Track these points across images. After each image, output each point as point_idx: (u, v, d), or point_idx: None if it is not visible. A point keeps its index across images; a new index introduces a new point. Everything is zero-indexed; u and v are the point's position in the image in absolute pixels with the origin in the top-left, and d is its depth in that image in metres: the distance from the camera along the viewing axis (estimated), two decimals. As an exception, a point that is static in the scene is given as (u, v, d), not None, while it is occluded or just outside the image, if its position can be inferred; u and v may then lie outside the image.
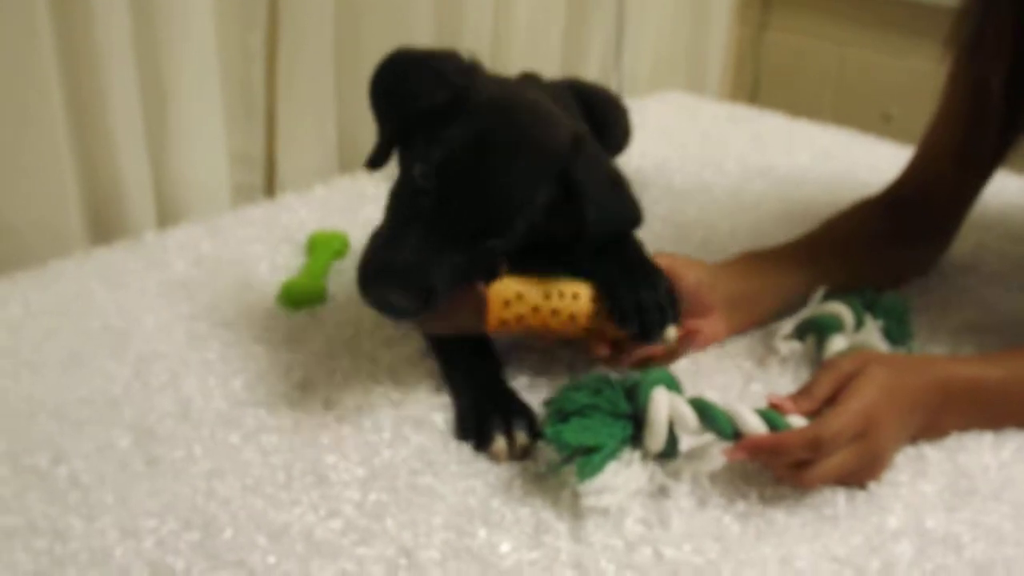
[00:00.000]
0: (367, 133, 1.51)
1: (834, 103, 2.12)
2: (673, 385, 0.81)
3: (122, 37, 1.19)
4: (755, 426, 0.77)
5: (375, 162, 0.92)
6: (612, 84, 1.92)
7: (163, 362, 0.96)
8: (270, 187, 1.44)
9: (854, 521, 0.77)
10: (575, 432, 0.77)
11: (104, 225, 1.25)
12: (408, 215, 0.84)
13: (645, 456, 0.79)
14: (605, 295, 0.88)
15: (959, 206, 1.14)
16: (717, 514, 0.78)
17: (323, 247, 1.15)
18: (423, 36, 1.52)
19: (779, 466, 0.79)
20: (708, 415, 0.78)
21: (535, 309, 0.87)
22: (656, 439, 0.78)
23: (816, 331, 0.96)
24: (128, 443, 0.85)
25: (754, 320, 1.02)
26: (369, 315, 1.03)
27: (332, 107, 1.46)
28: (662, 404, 0.78)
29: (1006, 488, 0.81)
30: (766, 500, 0.79)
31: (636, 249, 0.93)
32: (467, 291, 0.82)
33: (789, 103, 1.82)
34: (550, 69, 1.79)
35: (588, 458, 0.76)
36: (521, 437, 0.82)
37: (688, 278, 0.93)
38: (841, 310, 0.96)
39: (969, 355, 0.98)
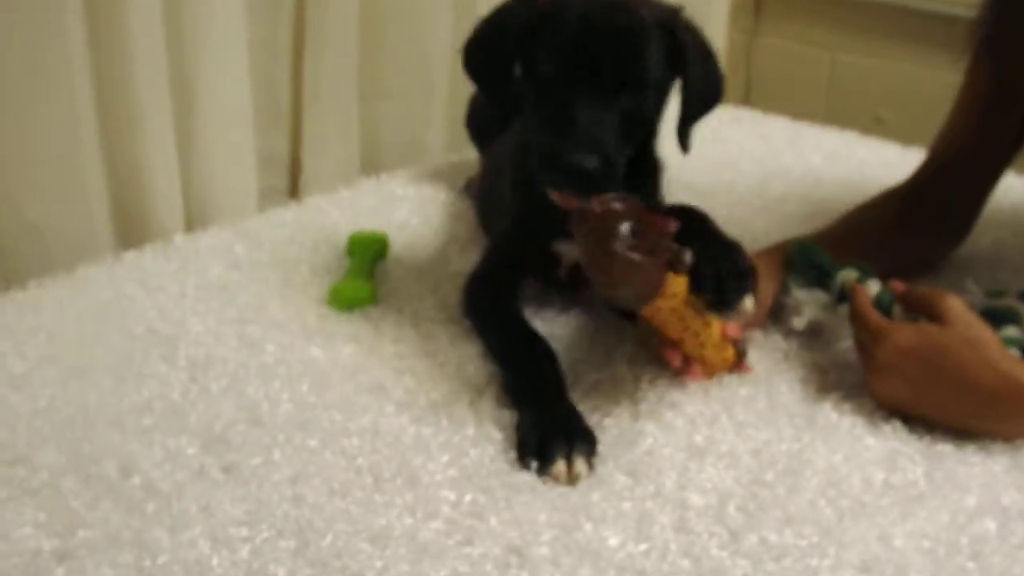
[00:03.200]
0: (389, 135, 1.52)
1: (826, 107, 2.14)
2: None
3: (151, 38, 1.17)
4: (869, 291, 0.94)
5: (504, 107, 0.99)
6: None
7: (219, 366, 0.94)
8: (294, 189, 1.42)
9: (937, 501, 0.79)
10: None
11: (131, 229, 1.22)
12: (551, 109, 0.89)
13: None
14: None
15: (973, 200, 1.16)
16: (811, 497, 0.78)
17: (365, 248, 1.13)
18: (443, 39, 1.51)
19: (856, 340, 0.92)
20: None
21: (681, 315, 0.85)
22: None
23: (992, 322, 0.95)
24: (198, 450, 0.82)
25: None
26: (426, 315, 1.02)
27: (356, 109, 1.45)
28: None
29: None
30: (854, 485, 0.80)
31: (713, 226, 0.93)
32: (653, 263, 0.79)
33: (781, 107, 1.83)
34: None
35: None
36: (580, 464, 0.80)
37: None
38: (1020, 307, 0.96)
39: None
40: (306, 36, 1.36)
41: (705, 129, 1.65)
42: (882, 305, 0.93)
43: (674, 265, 0.81)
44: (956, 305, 0.88)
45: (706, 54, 0.96)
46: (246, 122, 1.30)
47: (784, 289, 1.01)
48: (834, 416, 0.89)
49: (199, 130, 1.26)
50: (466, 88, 1.39)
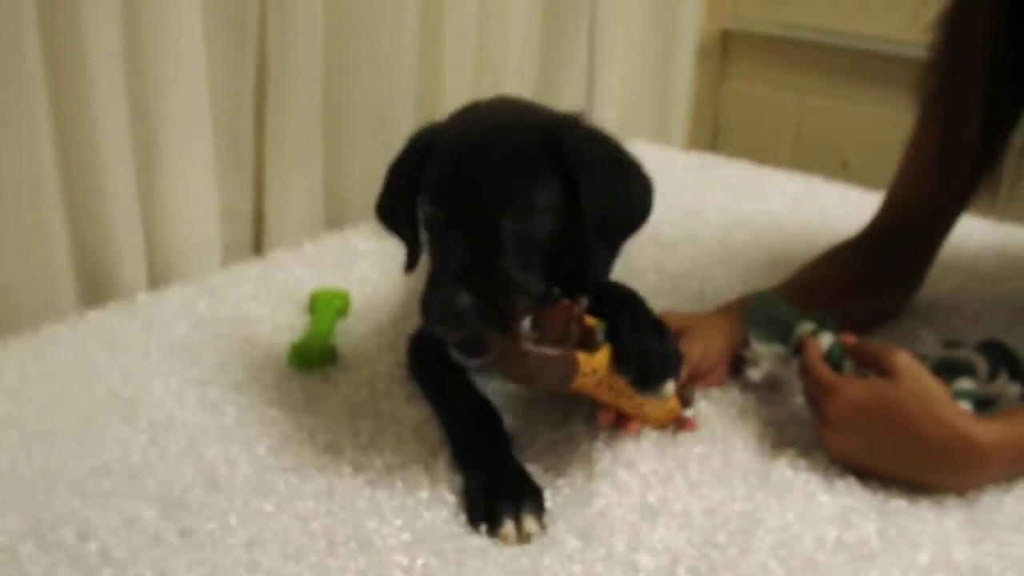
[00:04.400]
0: (353, 188, 1.53)
1: (793, 150, 2.18)
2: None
3: (113, 95, 1.18)
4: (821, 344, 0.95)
5: (412, 264, 0.97)
6: None
7: (180, 429, 0.94)
8: (258, 244, 1.43)
9: (889, 558, 0.79)
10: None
11: (95, 286, 1.23)
12: (438, 249, 0.87)
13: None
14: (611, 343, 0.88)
15: (927, 251, 1.18)
16: (763, 558, 0.79)
17: (326, 306, 1.14)
18: (406, 92, 1.53)
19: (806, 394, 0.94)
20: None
21: (609, 384, 0.85)
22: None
23: (948, 373, 0.96)
24: (155, 514, 0.82)
25: None
26: (384, 374, 1.03)
27: (320, 162, 1.46)
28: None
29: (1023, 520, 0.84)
30: (806, 544, 0.80)
31: (643, 306, 0.93)
32: (563, 355, 0.80)
33: (748, 151, 1.86)
34: None
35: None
36: (530, 522, 0.81)
37: (695, 349, 0.97)
38: (976, 359, 0.97)
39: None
40: (268, 90, 1.38)
41: (670, 177, 1.69)
42: (832, 359, 0.95)
43: (587, 344, 0.82)
44: (905, 360, 0.89)
45: (613, 163, 0.92)
46: (209, 176, 1.32)
47: (744, 343, 1.03)
48: (789, 473, 0.89)
49: (162, 185, 1.27)
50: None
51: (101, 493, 0.85)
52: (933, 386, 0.88)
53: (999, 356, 0.99)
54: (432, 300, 0.84)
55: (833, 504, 0.85)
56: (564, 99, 1.92)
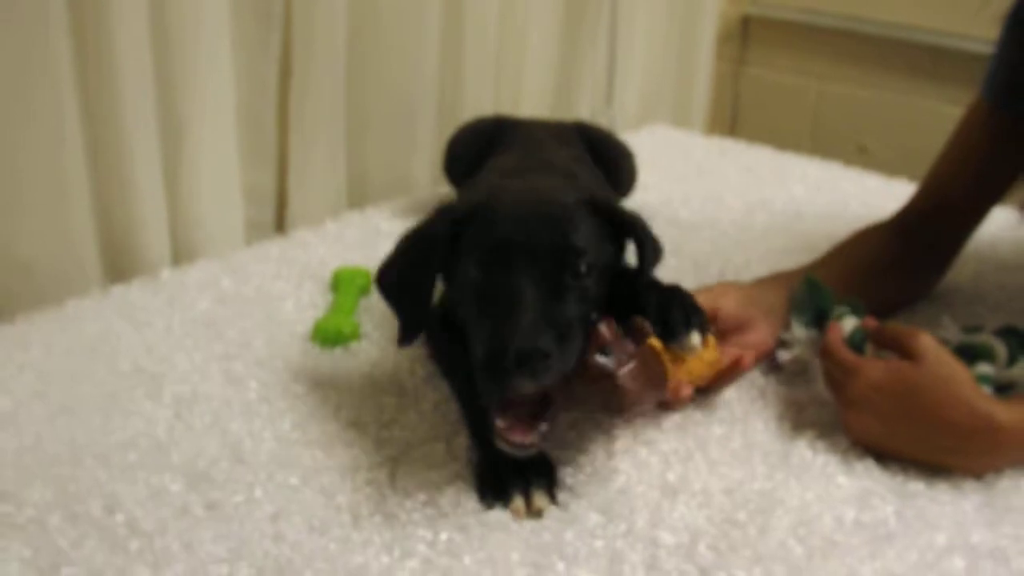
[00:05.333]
0: (375, 170, 1.54)
1: (811, 136, 2.17)
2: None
3: (139, 75, 1.19)
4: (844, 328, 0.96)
5: (410, 338, 0.91)
6: (603, 119, 1.96)
7: (204, 403, 0.95)
8: (280, 223, 1.44)
9: (907, 539, 0.80)
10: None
11: (119, 262, 1.23)
12: (489, 311, 0.82)
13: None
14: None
15: (958, 239, 1.18)
16: (782, 536, 0.79)
17: (348, 284, 1.15)
18: (429, 74, 1.54)
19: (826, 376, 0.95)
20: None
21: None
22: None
23: (967, 358, 0.97)
24: (182, 487, 0.84)
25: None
26: (406, 352, 1.04)
27: (342, 143, 1.46)
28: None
29: (1042, 503, 0.85)
30: (825, 523, 0.81)
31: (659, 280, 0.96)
32: (647, 359, 0.84)
33: (766, 136, 1.86)
34: (544, 104, 1.82)
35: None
36: (539, 498, 0.82)
37: (728, 300, 0.99)
38: (995, 344, 0.98)
39: None
40: (292, 70, 1.38)
41: (689, 161, 1.70)
42: (854, 342, 0.95)
43: (639, 340, 0.85)
44: (928, 342, 0.89)
45: (635, 219, 0.94)
46: (233, 156, 1.32)
47: (786, 325, 1.03)
48: (808, 454, 0.90)
49: (186, 164, 1.28)
50: (452, 123, 1.42)
51: (127, 466, 0.86)
52: (957, 369, 0.88)
53: (1017, 342, 1.00)
54: (499, 352, 0.77)
55: (852, 485, 0.86)
56: (585, 83, 1.92)
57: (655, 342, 0.85)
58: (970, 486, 0.86)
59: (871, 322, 0.97)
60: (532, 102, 1.80)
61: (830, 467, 0.88)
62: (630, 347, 0.84)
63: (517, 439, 0.79)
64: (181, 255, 1.30)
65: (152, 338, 1.06)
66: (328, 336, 1.05)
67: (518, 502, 0.81)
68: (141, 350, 1.04)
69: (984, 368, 0.96)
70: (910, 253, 1.15)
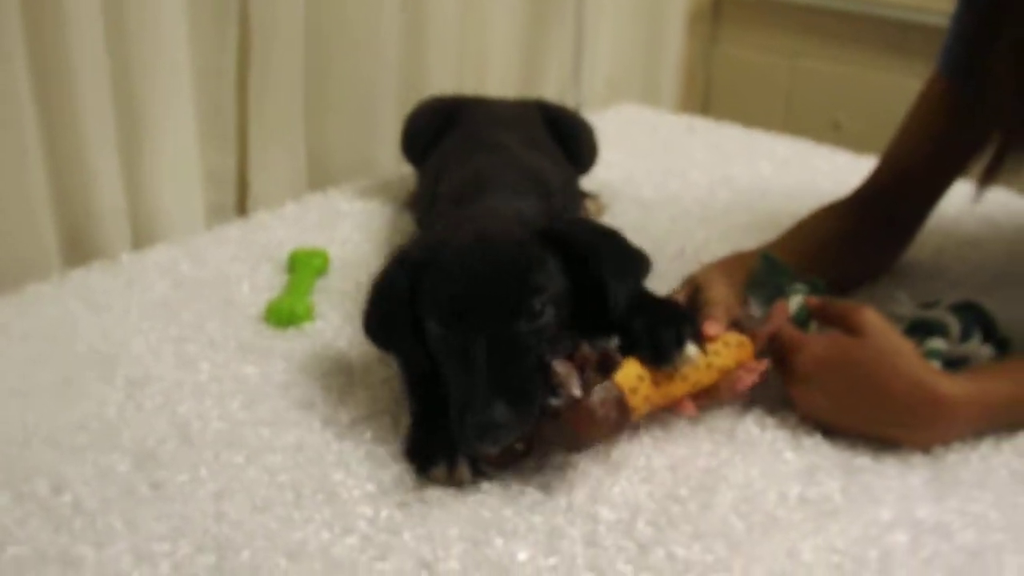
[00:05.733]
0: (335, 151, 1.54)
1: (785, 113, 2.17)
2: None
3: (95, 58, 1.18)
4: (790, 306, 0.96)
5: (422, 363, 0.89)
6: (570, 99, 1.95)
7: (156, 384, 0.96)
8: (242, 206, 1.44)
9: (851, 514, 0.80)
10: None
11: (79, 247, 1.24)
12: (453, 366, 0.83)
13: None
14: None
15: (918, 214, 1.18)
16: (723, 512, 0.80)
17: (304, 265, 1.15)
18: (390, 55, 1.53)
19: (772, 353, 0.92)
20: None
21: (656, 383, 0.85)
22: None
23: (921, 333, 0.97)
24: (129, 467, 0.84)
25: None
26: (358, 332, 1.04)
27: (302, 124, 1.46)
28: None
29: (988, 478, 0.85)
30: (768, 499, 0.82)
31: (646, 292, 0.94)
32: (603, 391, 0.81)
33: (740, 115, 1.85)
34: (510, 84, 1.82)
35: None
36: (463, 469, 0.82)
37: (719, 289, 0.96)
38: (949, 319, 0.97)
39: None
40: (252, 53, 1.38)
41: (655, 140, 1.70)
42: (799, 320, 0.95)
43: (608, 367, 0.83)
44: (870, 317, 0.89)
45: (612, 242, 0.92)
46: (192, 140, 1.32)
47: (744, 302, 1.00)
48: (755, 431, 0.90)
49: (146, 149, 1.28)
50: (414, 103, 1.42)
51: (76, 447, 0.86)
52: (899, 342, 0.89)
53: (974, 317, 1.00)
54: (465, 419, 0.80)
55: (798, 461, 0.86)
56: (552, 62, 1.91)
57: (624, 379, 0.82)
58: (918, 460, 0.86)
59: (813, 300, 0.97)
60: (497, 82, 1.80)
61: (777, 443, 0.89)
62: (592, 381, 0.81)
63: (492, 469, 0.83)
64: (142, 239, 1.30)
65: (109, 322, 1.07)
66: (281, 316, 1.06)
67: (440, 470, 0.81)
68: (97, 334, 1.04)
69: (936, 343, 0.96)
70: (870, 228, 1.14)
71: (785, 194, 1.44)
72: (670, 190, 1.45)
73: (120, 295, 1.12)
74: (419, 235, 0.92)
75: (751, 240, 1.14)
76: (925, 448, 0.88)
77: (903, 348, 0.88)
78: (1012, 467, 0.86)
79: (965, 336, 0.98)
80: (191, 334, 1.04)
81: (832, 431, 0.90)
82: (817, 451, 0.88)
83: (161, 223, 1.31)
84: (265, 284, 1.15)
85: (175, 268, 1.18)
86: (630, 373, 0.83)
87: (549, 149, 1.24)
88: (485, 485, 0.82)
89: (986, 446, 0.88)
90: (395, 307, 0.88)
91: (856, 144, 1.64)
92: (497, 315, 0.82)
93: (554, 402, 0.80)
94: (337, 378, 0.97)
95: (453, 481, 0.81)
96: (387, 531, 0.77)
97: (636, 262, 0.93)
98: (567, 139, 1.30)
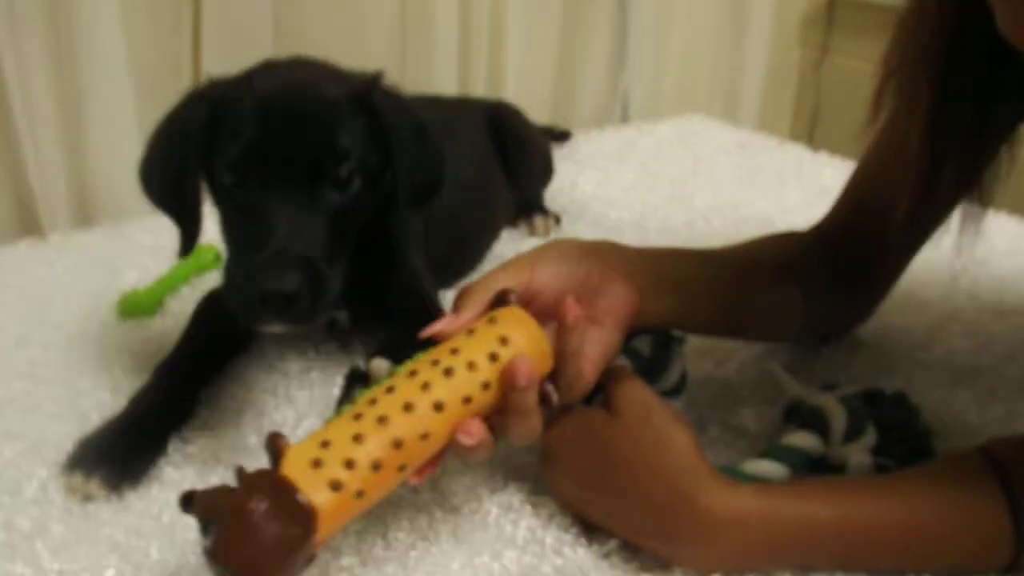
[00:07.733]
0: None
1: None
2: None
3: (39, 44, 1.24)
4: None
5: (189, 247, 0.85)
6: (616, 108, 1.85)
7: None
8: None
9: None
10: None
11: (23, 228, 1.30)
12: (240, 222, 0.77)
13: None
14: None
15: (882, 262, 0.96)
16: None
17: (194, 259, 1.13)
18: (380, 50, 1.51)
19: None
20: None
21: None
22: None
23: (795, 421, 0.81)
24: None
25: (698, 311, 0.83)
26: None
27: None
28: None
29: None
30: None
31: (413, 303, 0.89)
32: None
33: (852, 133, 1.63)
34: (543, 93, 1.71)
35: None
36: (95, 485, 0.75)
37: (540, 278, 0.73)
38: (835, 410, 0.79)
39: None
40: (202, 39, 1.38)
41: (697, 156, 1.50)
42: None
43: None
44: (631, 393, 0.71)
45: (418, 124, 0.85)
46: (133, 128, 1.34)
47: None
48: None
49: (88, 136, 1.32)
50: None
51: None
52: (667, 429, 0.69)
53: (886, 412, 0.80)
54: (244, 284, 0.72)
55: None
56: (590, 65, 1.79)
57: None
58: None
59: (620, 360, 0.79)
60: (529, 88, 1.69)
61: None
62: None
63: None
64: (88, 220, 1.35)
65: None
66: (126, 307, 1.05)
67: (75, 479, 0.76)
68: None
69: (798, 438, 0.78)
70: (848, 265, 0.93)
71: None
72: (652, 211, 1.30)
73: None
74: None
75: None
76: (695, 568, 0.68)
77: (671, 438, 0.68)
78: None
79: (852, 434, 0.78)
80: (39, 318, 1.04)
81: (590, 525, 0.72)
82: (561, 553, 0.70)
83: (104, 209, 1.34)
84: (156, 275, 1.13)
85: (86, 253, 1.20)
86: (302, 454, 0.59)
87: (481, 163, 1.19)
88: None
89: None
90: (182, 151, 0.79)
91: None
92: (303, 170, 0.76)
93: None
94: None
95: (85, 494, 0.75)
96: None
97: (436, 164, 0.85)
98: (510, 153, 1.21)
